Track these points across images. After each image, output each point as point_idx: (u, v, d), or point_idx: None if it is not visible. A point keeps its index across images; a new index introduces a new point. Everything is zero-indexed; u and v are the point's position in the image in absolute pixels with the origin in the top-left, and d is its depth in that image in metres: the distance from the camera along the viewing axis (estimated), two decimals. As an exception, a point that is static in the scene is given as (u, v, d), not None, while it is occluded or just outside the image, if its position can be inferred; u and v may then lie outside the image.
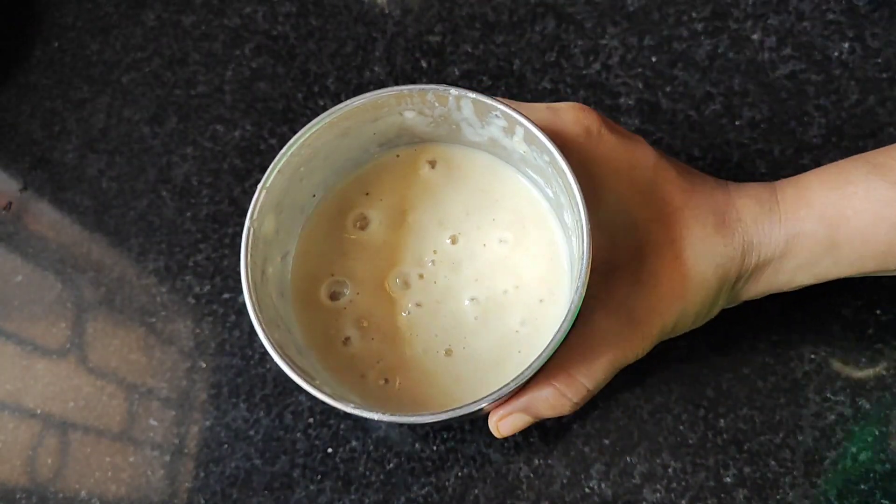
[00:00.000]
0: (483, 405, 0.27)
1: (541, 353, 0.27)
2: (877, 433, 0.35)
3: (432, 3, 0.46)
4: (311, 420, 0.37)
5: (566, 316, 0.27)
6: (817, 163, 0.40)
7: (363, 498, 0.36)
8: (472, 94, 0.30)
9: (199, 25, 0.47)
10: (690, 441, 0.36)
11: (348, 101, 0.30)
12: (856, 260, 0.31)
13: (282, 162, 0.30)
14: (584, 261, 0.27)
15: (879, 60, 0.41)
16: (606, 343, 0.31)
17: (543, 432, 0.36)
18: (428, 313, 0.32)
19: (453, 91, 0.30)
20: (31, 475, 0.38)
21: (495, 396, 0.27)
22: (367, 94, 0.31)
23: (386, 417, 0.27)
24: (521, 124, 0.30)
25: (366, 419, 0.29)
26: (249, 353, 0.39)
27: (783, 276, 0.32)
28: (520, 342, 0.32)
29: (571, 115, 0.31)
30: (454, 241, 0.33)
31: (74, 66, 0.47)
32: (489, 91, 0.43)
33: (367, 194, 0.34)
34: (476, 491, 0.36)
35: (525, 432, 0.36)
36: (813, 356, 0.36)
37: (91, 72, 0.47)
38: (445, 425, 0.37)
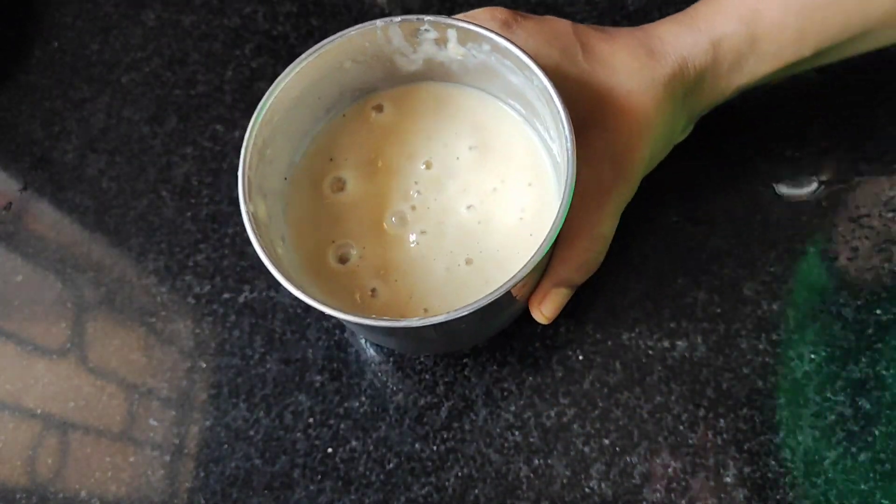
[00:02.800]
0: (510, 287, 0.28)
1: (549, 230, 0.28)
2: (877, 433, 0.35)
3: (432, 3, 0.46)
4: (311, 420, 0.37)
5: (563, 192, 0.28)
6: (817, 163, 0.40)
7: (363, 498, 0.36)
8: (397, 19, 0.31)
9: (199, 25, 0.47)
10: (690, 441, 0.36)
11: (295, 63, 0.31)
12: (777, 51, 0.33)
13: (251, 140, 0.31)
14: (565, 125, 0.29)
15: (879, 60, 0.41)
16: (603, 191, 0.33)
17: (543, 432, 0.36)
18: (435, 236, 0.33)
19: (378, 23, 0.32)
20: (31, 475, 0.38)
21: (519, 277, 0.28)
22: (310, 51, 0.32)
23: (428, 321, 0.28)
24: (452, 25, 0.31)
25: (417, 328, 0.29)
26: (249, 353, 0.39)
27: (721, 81, 0.34)
28: (527, 226, 0.33)
29: (486, 14, 0.34)
30: (429, 166, 0.34)
31: (74, 66, 0.47)
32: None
33: (331, 160, 0.35)
34: (476, 491, 0.36)
35: (525, 432, 0.36)
36: (813, 356, 0.36)
37: (91, 72, 0.47)
38: (454, 417, 0.37)
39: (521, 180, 0.34)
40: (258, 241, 0.29)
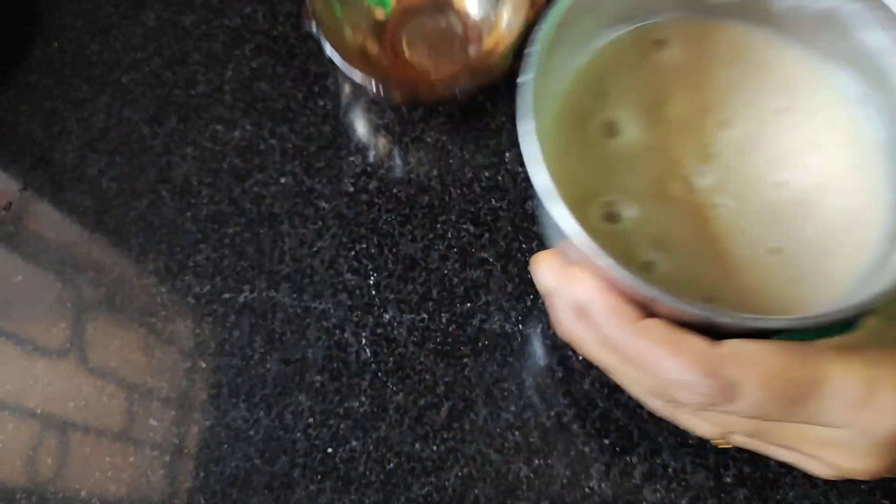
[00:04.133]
0: (880, 299, 0.22)
1: None
2: (877, 433, 0.35)
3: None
4: (310, 420, 0.37)
5: None
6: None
7: (363, 498, 0.36)
8: None
9: (199, 25, 0.47)
10: (690, 441, 0.36)
11: None
12: None
13: (544, 42, 0.25)
14: None
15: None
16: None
17: (543, 432, 0.36)
18: (734, 212, 0.27)
19: None
20: (31, 475, 0.38)
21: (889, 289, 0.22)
22: None
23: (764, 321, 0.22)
24: None
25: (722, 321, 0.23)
26: (249, 353, 0.39)
27: None
28: (848, 219, 0.27)
29: None
30: (726, 125, 0.29)
31: (74, 66, 0.47)
32: (482, 105, 0.43)
33: (602, 95, 0.29)
34: (476, 491, 0.36)
35: (525, 433, 0.36)
36: (813, 356, 0.36)
37: (91, 72, 0.47)
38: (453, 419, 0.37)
39: (844, 161, 0.28)
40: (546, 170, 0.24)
